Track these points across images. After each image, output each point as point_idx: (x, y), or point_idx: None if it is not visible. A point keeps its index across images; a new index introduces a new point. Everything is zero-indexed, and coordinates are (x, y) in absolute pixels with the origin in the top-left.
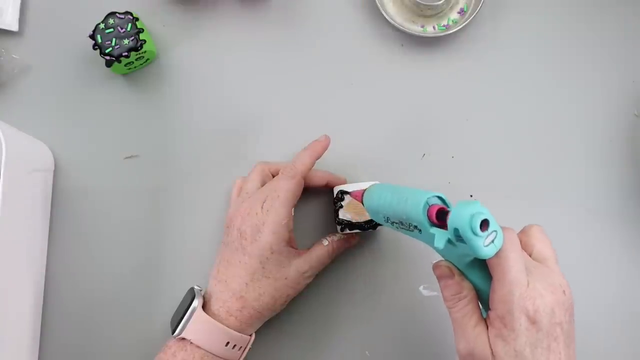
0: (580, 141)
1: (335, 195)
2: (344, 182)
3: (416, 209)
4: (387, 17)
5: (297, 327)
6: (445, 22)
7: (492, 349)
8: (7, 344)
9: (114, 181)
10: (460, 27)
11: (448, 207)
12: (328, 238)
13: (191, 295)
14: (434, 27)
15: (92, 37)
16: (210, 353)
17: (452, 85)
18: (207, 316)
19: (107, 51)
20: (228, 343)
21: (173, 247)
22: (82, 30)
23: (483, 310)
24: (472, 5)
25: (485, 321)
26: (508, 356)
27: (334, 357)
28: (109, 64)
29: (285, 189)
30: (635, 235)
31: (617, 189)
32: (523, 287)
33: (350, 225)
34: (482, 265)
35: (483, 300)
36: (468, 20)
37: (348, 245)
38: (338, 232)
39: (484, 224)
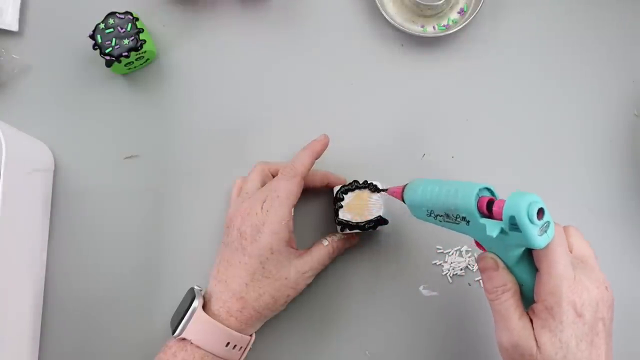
0: (580, 141)
1: (335, 195)
2: (344, 182)
3: (467, 200)
4: (387, 17)
5: (297, 326)
6: (445, 22)
7: (537, 340)
8: (7, 344)
9: (114, 181)
10: (460, 27)
11: (496, 198)
12: (328, 238)
13: (191, 296)
14: (434, 27)
15: (92, 37)
16: (211, 353)
17: (452, 85)
18: (208, 316)
19: (107, 51)
20: (228, 343)
21: (173, 247)
22: (82, 30)
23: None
24: (472, 5)
25: (528, 313)
26: (554, 347)
27: (334, 357)
28: (109, 64)
29: (285, 189)
30: (635, 235)
31: (617, 189)
32: (571, 280)
33: (350, 225)
34: (527, 259)
35: (524, 294)
36: (468, 20)
37: (348, 246)
38: (338, 233)
39: (540, 213)
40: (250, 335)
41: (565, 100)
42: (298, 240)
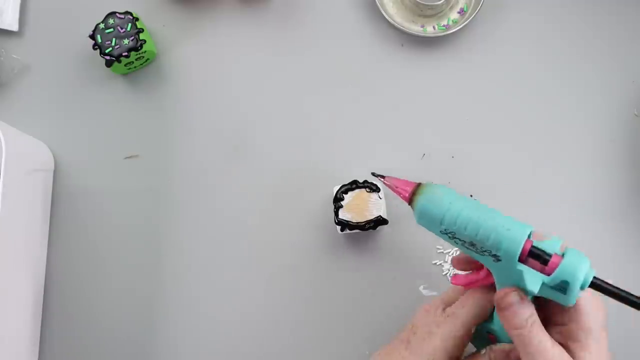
0: (580, 141)
1: (335, 195)
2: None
3: (513, 241)
4: (387, 17)
5: (297, 326)
6: (445, 22)
7: None
8: (7, 344)
9: (114, 181)
10: (460, 27)
11: (532, 241)
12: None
13: None
14: (434, 27)
15: (92, 37)
16: None
17: (452, 85)
18: None
19: (107, 51)
20: None
21: (173, 247)
22: (82, 30)
23: None
24: (472, 5)
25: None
26: None
27: (334, 357)
28: (109, 64)
29: (474, 305)
30: (635, 235)
31: (617, 189)
32: (599, 296)
33: (350, 225)
34: None
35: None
36: (468, 20)
37: None
38: (498, 345)
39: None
40: None
41: (565, 100)
42: (298, 240)
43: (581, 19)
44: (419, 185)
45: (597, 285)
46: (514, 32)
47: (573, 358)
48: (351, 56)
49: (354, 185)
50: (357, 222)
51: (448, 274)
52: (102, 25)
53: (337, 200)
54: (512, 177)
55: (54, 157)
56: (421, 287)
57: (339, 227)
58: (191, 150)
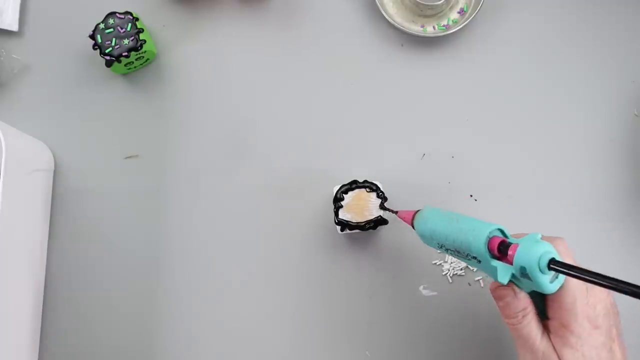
0: (580, 141)
1: (335, 195)
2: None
3: (477, 242)
4: (387, 17)
5: (297, 326)
6: (445, 22)
7: (560, 358)
8: (7, 344)
9: (114, 181)
10: (460, 27)
11: (507, 238)
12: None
13: None
14: (434, 27)
15: (92, 37)
16: None
17: (452, 85)
18: None
19: (107, 51)
20: None
21: (172, 247)
22: (82, 30)
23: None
24: (472, 5)
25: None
26: None
27: (334, 357)
28: (109, 64)
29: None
30: (635, 235)
31: (617, 189)
32: (584, 293)
33: (350, 225)
34: None
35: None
36: (468, 20)
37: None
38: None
39: (551, 263)
40: None
41: (565, 100)
42: (298, 240)
43: (581, 19)
44: (417, 212)
45: (558, 267)
46: (514, 32)
47: (566, 344)
48: (351, 56)
49: (353, 185)
50: (357, 222)
51: (448, 274)
52: (102, 25)
53: (337, 200)
54: (512, 177)
55: (54, 157)
56: (421, 287)
57: (339, 227)
58: (191, 150)
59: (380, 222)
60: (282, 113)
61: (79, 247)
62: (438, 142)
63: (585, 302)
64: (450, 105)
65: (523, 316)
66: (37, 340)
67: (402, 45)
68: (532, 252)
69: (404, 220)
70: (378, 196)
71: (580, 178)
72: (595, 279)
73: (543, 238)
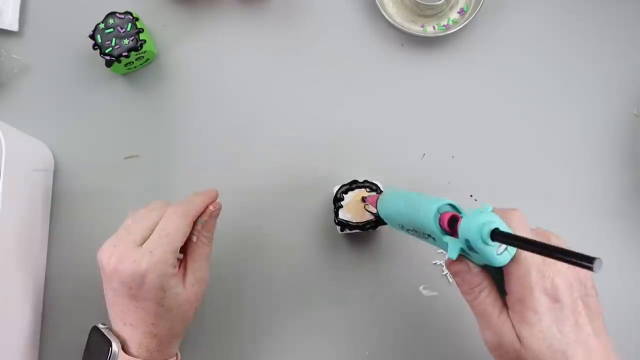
0: (580, 141)
1: (335, 195)
2: (216, 195)
3: (428, 218)
4: (387, 17)
5: (297, 326)
6: (445, 22)
7: (518, 334)
8: (7, 344)
9: (114, 181)
10: (460, 27)
11: (460, 213)
12: (195, 233)
13: (103, 339)
14: (434, 27)
15: (92, 37)
16: None
17: (452, 85)
18: (132, 359)
19: (107, 51)
20: None
21: None
22: (82, 30)
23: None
24: (472, 5)
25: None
26: (536, 339)
27: (334, 357)
28: (109, 64)
29: (176, 227)
30: (635, 235)
31: (617, 189)
32: (540, 264)
33: (350, 225)
34: None
35: (500, 286)
36: (468, 20)
37: (213, 222)
38: (201, 219)
39: (494, 233)
40: (176, 355)
41: (565, 100)
42: (298, 240)
43: (581, 19)
44: (379, 196)
45: (499, 237)
46: (514, 32)
47: (522, 320)
48: (351, 56)
49: (353, 185)
50: (357, 222)
51: (448, 274)
52: (102, 25)
53: (337, 200)
54: (511, 177)
55: (54, 157)
56: (421, 287)
57: (339, 227)
58: (191, 150)
59: (380, 222)
60: (282, 113)
61: (79, 247)
62: (438, 142)
63: (540, 274)
64: (450, 105)
65: (479, 291)
66: (37, 340)
67: (402, 45)
68: (473, 223)
69: (372, 205)
70: (371, 190)
71: (580, 178)
72: (534, 246)
73: (495, 210)
